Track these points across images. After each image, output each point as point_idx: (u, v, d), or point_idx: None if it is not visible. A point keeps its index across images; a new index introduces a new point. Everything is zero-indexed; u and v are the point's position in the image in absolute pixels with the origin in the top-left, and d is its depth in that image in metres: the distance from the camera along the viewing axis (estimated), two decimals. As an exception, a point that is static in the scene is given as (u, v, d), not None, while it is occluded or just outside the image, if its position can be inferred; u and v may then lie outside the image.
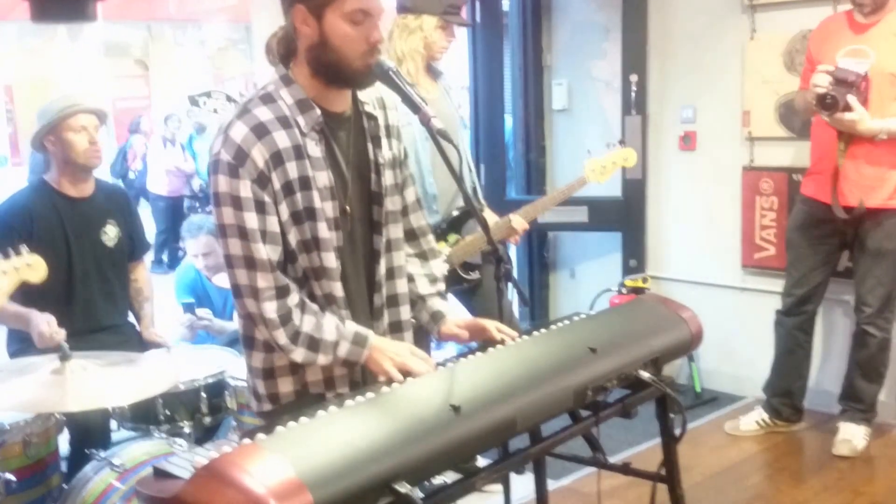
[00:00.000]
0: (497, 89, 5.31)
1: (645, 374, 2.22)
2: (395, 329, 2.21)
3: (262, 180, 1.96)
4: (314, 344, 2.02)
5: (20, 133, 14.01)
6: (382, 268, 2.18)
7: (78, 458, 3.07)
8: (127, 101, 15.48)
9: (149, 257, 3.99)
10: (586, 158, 3.81)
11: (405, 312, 2.25)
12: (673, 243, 5.05)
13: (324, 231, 2.03)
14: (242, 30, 15.00)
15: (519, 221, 3.54)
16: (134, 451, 2.84)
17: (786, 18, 4.41)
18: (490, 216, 3.60)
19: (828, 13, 4.13)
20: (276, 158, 1.98)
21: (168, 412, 3.14)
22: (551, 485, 3.06)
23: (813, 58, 3.89)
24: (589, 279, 5.42)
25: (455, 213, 3.49)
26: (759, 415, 4.26)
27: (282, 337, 2.00)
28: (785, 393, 4.21)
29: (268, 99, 2.04)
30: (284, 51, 2.08)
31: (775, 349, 4.22)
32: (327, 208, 2.03)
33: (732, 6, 4.59)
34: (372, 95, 2.18)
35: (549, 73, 5.49)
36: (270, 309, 1.99)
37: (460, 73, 5.71)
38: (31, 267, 2.55)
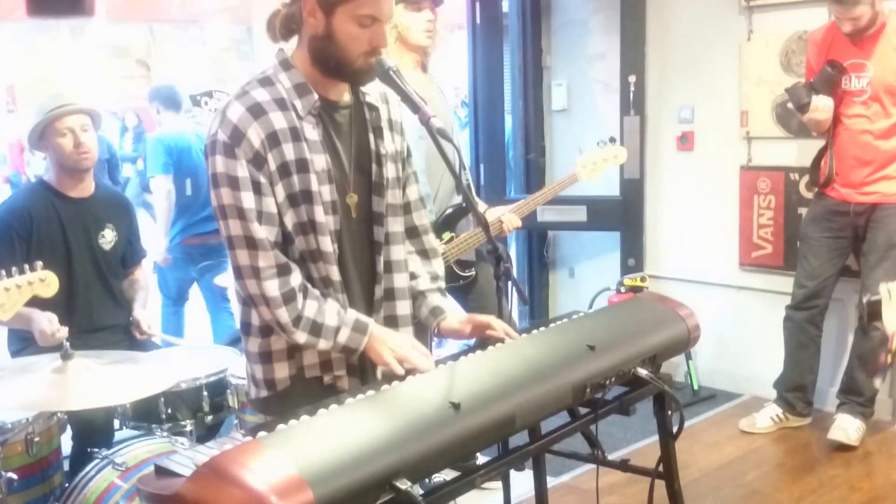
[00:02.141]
0: (497, 90, 5.33)
1: (643, 372, 2.23)
2: (391, 323, 2.21)
3: (258, 160, 1.98)
4: (316, 328, 2.03)
5: (23, 134, 14.01)
6: (382, 260, 2.19)
7: (80, 457, 3.07)
8: (129, 101, 15.48)
9: (148, 261, 3.96)
10: (578, 156, 3.83)
11: (402, 307, 2.25)
12: (671, 242, 5.06)
13: (320, 214, 2.04)
14: (244, 30, 15.03)
15: (509, 218, 3.55)
16: (136, 450, 2.84)
17: (782, 19, 4.44)
18: (484, 209, 3.61)
19: (824, 14, 4.15)
20: (273, 139, 1.99)
21: (170, 411, 3.16)
22: (550, 481, 3.08)
23: (814, 68, 3.97)
24: (588, 278, 5.44)
25: (449, 210, 3.50)
26: (774, 410, 4.29)
27: (284, 316, 2.01)
28: (798, 387, 4.25)
29: (266, 82, 2.06)
30: (286, 30, 2.09)
31: (786, 345, 4.25)
32: (324, 192, 2.04)
33: (730, 7, 4.61)
34: (375, 89, 2.19)
35: (549, 74, 5.51)
36: (272, 287, 1.99)
37: (460, 73, 5.72)
38: (44, 282, 2.59)
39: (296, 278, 2.02)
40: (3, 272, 2.49)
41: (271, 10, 2.13)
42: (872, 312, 2.48)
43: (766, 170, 4.59)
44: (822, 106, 3.83)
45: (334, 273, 2.08)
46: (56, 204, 3.39)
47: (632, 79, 4.93)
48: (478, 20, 5.22)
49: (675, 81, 4.90)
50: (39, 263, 2.58)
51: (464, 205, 3.48)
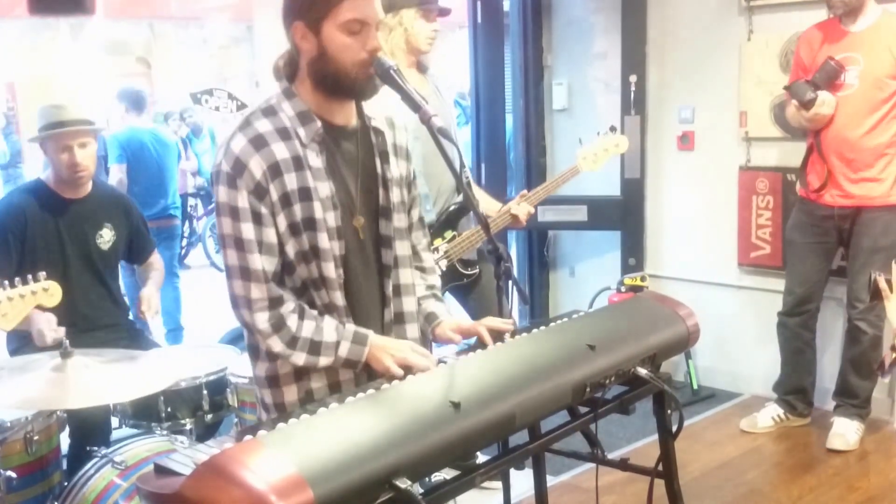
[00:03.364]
0: (498, 89, 5.33)
1: (643, 371, 2.24)
2: None
3: (259, 192, 1.99)
4: (315, 347, 2.03)
5: (22, 132, 14.02)
6: (391, 283, 2.19)
7: (79, 456, 3.07)
8: (128, 99, 15.43)
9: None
10: (578, 148, 3.78)
11: (412, 331, 2.24)
12: (671, 242, 5.07)
13: (324, 241, 2.04)
14: (244, 29, 15.00)
15: (519, 208, 3.54)
16: (135, 449, 2.85)
17: (782, 20, 4.44)
18: (489, 202, 3.60)
19: (823, 15, 4.15)
20: (274, 170, 2.00)
21: (169, 409, 3.16)
22: (550, 480, 3.08)
23: (805, 65, 3.95)
24: (588, 278, 5.44)
25: (451, 208, 3.50)
26: (775, 410, 4.30)
27: (277, 344, 2.02)
28: (798, 390, 4.26)
29: (269, 112, 2.06)
30: (290, 72, 2.10)
31: (782, 351, 4.26)
32: (329, 218, 2.04)
33: (730, 8, 4.62)
34: (381, 113, 2.20)
35: (550, 74, 5.51)
36: (262, 319, 2.01)
37: (460, 74, 5.72)
38: (48, 292, 2.58)
39: (287, 307, 2.03)
40: (7, 282, 2.48)
41: (271, 8, 2.12)
42: (880, 290, 2.60)
43: (765, 170, 4.59)
44: (828, 100, 3.81)
45: (338, 298, 2.08)
46: (52, 204, 3.39)
47: (632, 78, 4.93)
48: (479, 19, 5.22)
49: (676, 81, 4.90)
50: (43, 274, 2.57)
51: (460, 205, 3.48)
